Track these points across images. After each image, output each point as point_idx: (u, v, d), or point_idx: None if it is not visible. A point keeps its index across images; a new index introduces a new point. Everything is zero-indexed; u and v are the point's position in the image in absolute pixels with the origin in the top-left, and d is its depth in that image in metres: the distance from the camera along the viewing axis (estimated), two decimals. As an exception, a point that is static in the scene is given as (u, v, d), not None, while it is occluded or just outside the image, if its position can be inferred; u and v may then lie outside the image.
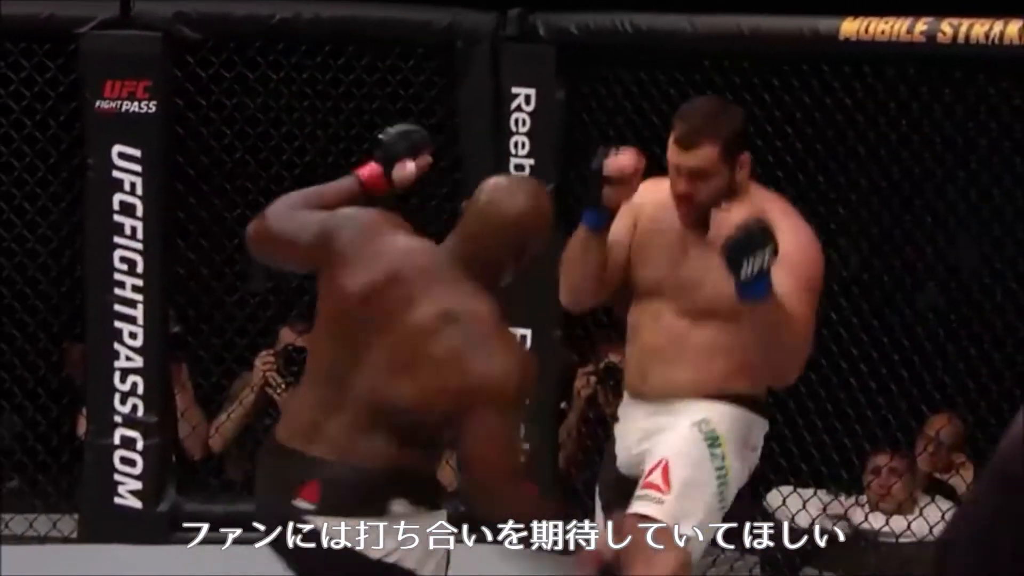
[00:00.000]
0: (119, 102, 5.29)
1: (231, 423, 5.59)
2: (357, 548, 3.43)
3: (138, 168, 5.31)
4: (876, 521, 5.27)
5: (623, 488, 3.95)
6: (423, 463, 3.50)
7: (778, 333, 3.70)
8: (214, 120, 5.43)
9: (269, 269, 5.77)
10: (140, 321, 5.35)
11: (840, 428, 5.15)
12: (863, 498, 5.30)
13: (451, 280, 3.48)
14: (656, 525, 3.76)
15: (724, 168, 3.84)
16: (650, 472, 3.83)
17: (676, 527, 3.79)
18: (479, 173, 5.13)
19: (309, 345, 3.56)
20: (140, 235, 5.32)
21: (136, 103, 5.29)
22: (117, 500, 5.36)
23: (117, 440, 5.36)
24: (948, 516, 5.23)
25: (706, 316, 3.88)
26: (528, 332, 5.22)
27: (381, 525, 3.43)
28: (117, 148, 5.30)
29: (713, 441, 3.86)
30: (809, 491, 5.33)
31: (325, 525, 3.44)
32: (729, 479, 3.87)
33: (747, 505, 5.21)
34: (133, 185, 5.31)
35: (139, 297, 5.34)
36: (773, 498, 5.37)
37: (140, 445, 5.36)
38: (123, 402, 5.35)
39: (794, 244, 3.75)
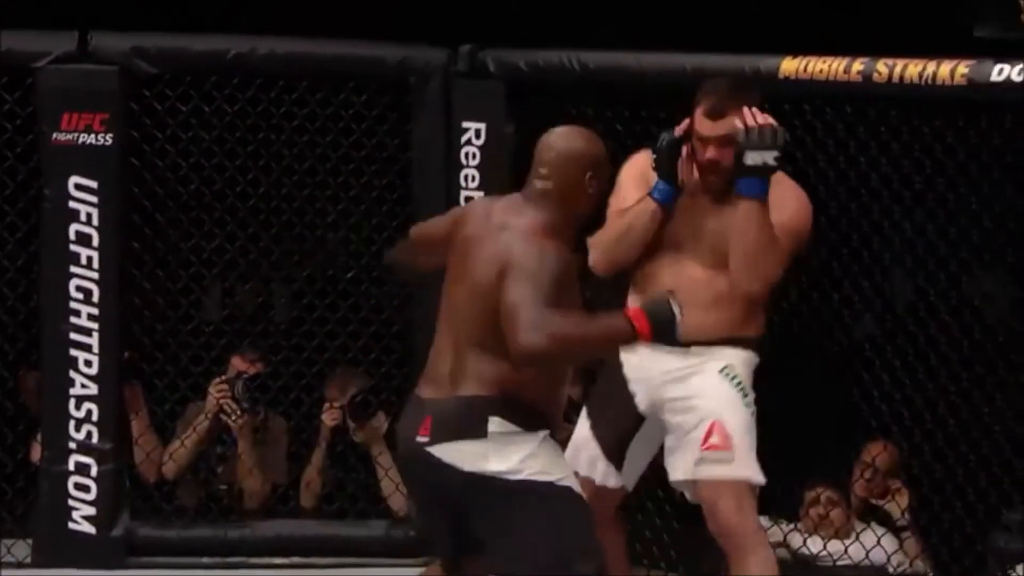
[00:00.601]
0: (76, 134, 5.39)
1: (185, 450, 5.66)
2: (472, 468, 3.92)
3: (94, 199, 5.40)
4: (814, 546, 5.37)
5: (615, 412, 4.47)
6: (519, 389, 3.93)
7: (747, 237, 4.27)
8: (170, 152, 5.52)
9: (223, 299, 5.92)
10: (95, 349, 5.43)
11: (779, 455, 5.25)
12: (802, 525, 5.41)
13: (517, 211, 3.98)
14: (732, 478, 4.35)
15: None
16: (707, 436, 4.36)
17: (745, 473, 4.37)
18: (430, 206, 5.30)
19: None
20: (96, 265, 5.41)
21: (93, 135, 5.39)
22: (71, 525, 5.43)
23: (72, 466, 5.44)
24: (885, 540, 5.36)
25: (722, 268, 4.37)
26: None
27: (482, 445, 3.91)
28: (74, 179, 5.40)
29: (739, 385, 4.40)
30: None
31: (439, 451, 3.94)
32: (753, 411, 4.41)
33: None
34: (89, 216, 5.41)
35: (95, 326, 5.42)
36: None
37: (94, 471, 5.44)
38: (78, 429, 5.43)
39: (794, 200, 4.39)
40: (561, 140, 4.00)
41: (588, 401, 4.60)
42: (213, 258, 5.60)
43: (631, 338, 3.88)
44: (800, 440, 5.24)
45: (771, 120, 4.33)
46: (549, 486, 3.95)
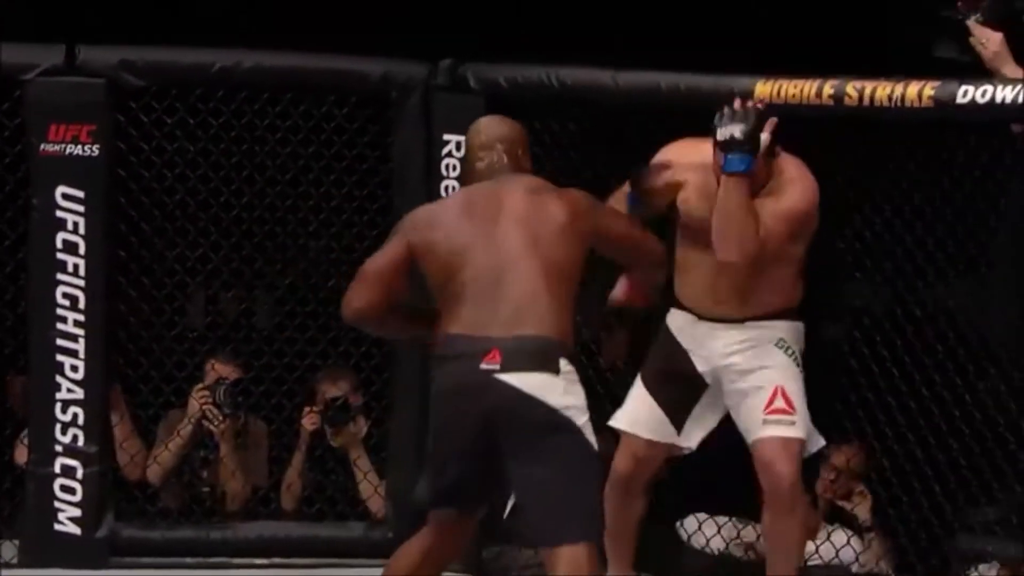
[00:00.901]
0: (63, 145, 5.48)
1: (169, 454, 5.76)
2: (543, 398, 4.17)
3: (81, 208, 5.50)
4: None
5: (677, 379, 4.88)
6: (570, 336, 4.25)
7: (732, 214, 4.59)
8: (155, 163, 5.62)
9: (207, 306, 6.02)
10: (81, 354, 5.53)
11: (748, 455, 5.35)
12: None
13: (506, 180, 4.35)
14: (791, 437, 4.76)
15: (765, 159, 4.67)
16: (772, 399, 4.77)
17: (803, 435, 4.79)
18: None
19: (448, 298, 4.28)
20: (82, 272, 5.51)
21: (80, 146, 5.49)
22: (57, 527, 5.53)
23: (57, 469, 5.54)
24: (852, 541, 5.52)
25: (760, 252, 4.69)
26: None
27: (555, 380, 4.19)
28: (61, 189, 5.49)
29: (794, 356, 4.82)
30: (723, 518, 5.64)
31: (511, 378, 4.18)
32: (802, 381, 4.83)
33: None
34: (76, 224, 5.50)
35: (81, 332, 5.52)
36: (689, 525, 5.67)
37: (80, 473, 5.54)
38: (64, 432, 5.53)
39: (799, 191, 4.69)
40: (490, 127, 4.45)
41: (644, 375, 4.92)
42: (197, 266, 5.70)
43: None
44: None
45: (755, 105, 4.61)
46: (593, 445, 4.24)
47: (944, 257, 5.21)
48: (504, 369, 4.17)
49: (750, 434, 4.80)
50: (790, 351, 4.81)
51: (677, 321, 4.91)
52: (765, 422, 4.76)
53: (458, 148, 5.55)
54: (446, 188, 5.57)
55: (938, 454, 5.20)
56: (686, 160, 4.82)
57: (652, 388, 4.90)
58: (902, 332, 5.28)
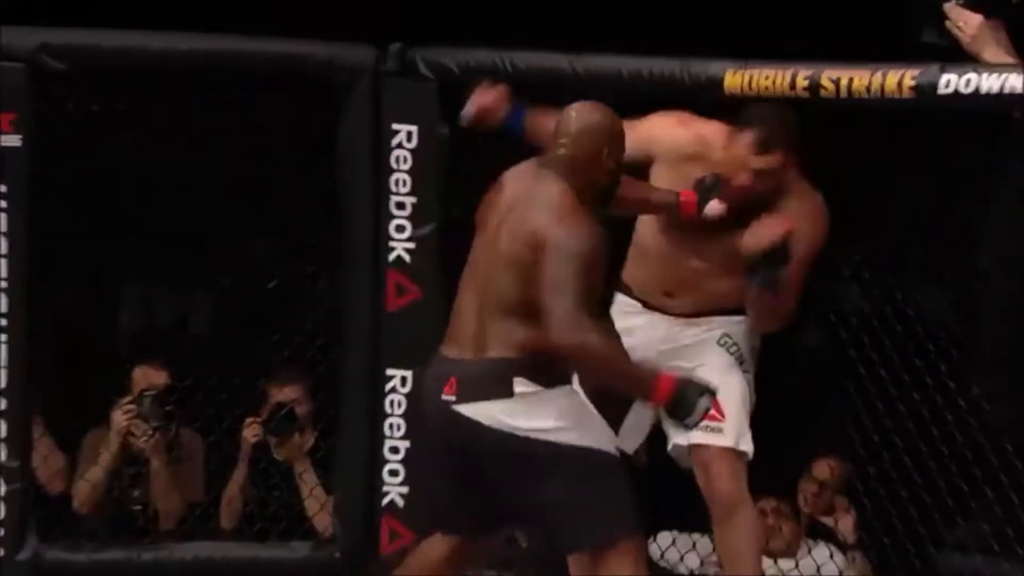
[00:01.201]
0: (-18, 136, 5.45)
1: (98, 472, 5.68)
2: (500, 426, 4.30)
3: (3, 204, 5.39)
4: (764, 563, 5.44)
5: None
6: (541, 350, 4.30)
7: (773, 306, 4.71)
8: (82, 153, 5.51)
9: (138, 308, 5.95)
10: (2, 362, 5.41)
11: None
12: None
13: (540, 179, 4.41)
14: (722, 446, 4.79)
15: (782, 170, 4.73)
16: None
17: (736, 443, 4.81)
18: (357, 210, 5.40)
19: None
20: (4, 273, 5.41)
21: (0, 136, 5.37)
22: (-23, 548, 5.50)
23: (-23, 486, 5.51)
24: (836, 558, 5.56)
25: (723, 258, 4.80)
26: (409, 374, 5.33)
27: (511, 404, 4.30)
28: (-20, 183, 5.46)
29: (737, 353, 4.84)
30: (697, 535, 5.65)
31: (466, 409, 4.33)
32: (751, 382, 4.86)
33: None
34: (-5, 220, 5.46)
35: (2, 337, 5.41)
36: (662, 540, 5.69)
37: (2, 491, 5.44)
38: (-16, 446, 5.50)
39: (808, 229, 4.73)
40: (581, 114, 4.45)
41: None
42: (129, 265, 5.72)
43: (646, 397, 4.37)
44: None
45: (784, 231, 4.62)
46: (585, 452, 4.32)
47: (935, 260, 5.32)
48: (459, 400, 4.35)
49: (683, 439, 4.81)
50: (733, 349, 4.84)
51: (621, 309, 4.93)
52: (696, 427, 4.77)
53: (408, 138, 5.48)
54: (396, 181, 5.48)
55: (924, 468, 5.23)
56: (663, 140, 4.85)
57: (589, 395, 4.78)
58: (888, 338, 5.29)
